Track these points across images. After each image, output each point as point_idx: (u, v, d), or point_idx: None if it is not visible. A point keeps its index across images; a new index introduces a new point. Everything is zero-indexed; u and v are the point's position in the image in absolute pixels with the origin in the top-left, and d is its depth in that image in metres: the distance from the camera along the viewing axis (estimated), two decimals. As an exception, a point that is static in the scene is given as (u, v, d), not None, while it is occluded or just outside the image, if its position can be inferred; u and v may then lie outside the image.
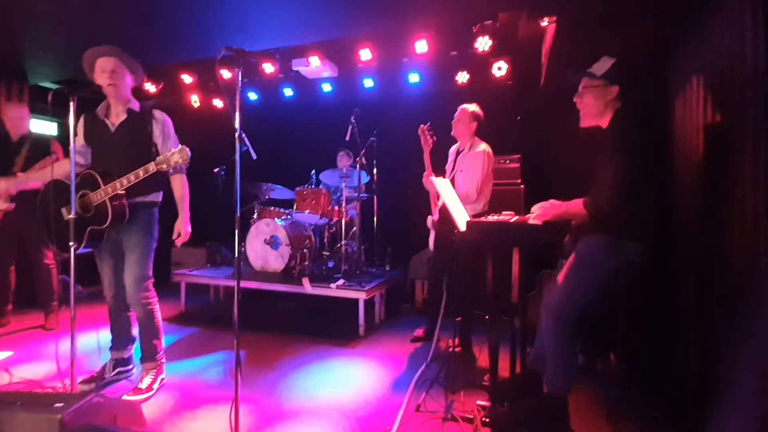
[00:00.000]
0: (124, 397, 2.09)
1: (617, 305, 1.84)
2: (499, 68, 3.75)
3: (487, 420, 1.87)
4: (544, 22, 2.89)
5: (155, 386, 2.21)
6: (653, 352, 2.32)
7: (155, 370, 2.26)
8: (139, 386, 2.17)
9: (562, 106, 2.07)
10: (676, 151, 2.29)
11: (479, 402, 1.98)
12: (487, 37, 3.45)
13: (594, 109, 1.85)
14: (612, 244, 1.75)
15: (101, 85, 2.13)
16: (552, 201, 1.85)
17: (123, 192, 2.06)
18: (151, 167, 1.98)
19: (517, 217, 1.96)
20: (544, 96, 3.30)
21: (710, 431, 1.37)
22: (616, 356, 2.22)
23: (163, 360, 2.33)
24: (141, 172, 2.00)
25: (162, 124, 2.24)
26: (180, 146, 1.97)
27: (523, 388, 1.97)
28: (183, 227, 2.25)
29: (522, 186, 3.51)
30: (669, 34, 2.32)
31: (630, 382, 2.14)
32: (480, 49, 3.51)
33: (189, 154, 1.96)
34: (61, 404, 1.34)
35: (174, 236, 2.25)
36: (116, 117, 2.22)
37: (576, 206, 1.78)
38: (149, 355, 2.27)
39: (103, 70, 2.12)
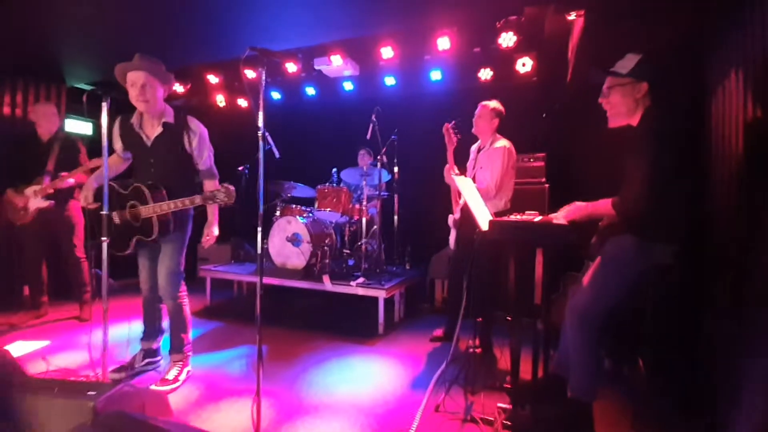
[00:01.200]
0: (152, 387, 2.17)
1: (646, 309, 1.77)
2: (524, 64, 3.67)
3: (508, 423, 1.84)
4: (572, 16, 2.81)
5: (181, 378, 2.28)
6: (683, 358, 2.23)
7: (182, 362, 2.34)
8: (167, 377, 2.24)
9: (588, 102, 2.01)
10: (713, 149, 2.18)
11: (500, 404, 1.95)
12: (511, 33, 3.38)
13: (623, 108, 1.78)
14: (641, 246, 1.68)
15: (131, 99, 2.16)
16: (577, 203, 1.80)
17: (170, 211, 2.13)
18: (198, 200, 2.05)
19: (541, 217, 1.92)
20: (571, 92, 3.21)
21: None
22: (644, 362, 2.15)
23: (190, 353, 2.41)
24: (188, 202, 2.07)
25: (198, 137, 2.28)
26: (227, 186, 2.00)
27: (546, 392, 1.92)
28: (211, 230, 2.34)
29: (546, 185, 3.43)
30: (706, 26, 2.21)
31: (658, 388, 2.06)
32: (504, 45, 3.44)
33: (234, 193, 2.01)
34: (94, 392, 1.41)
35: (203, 238, 2.34)
36: (151, 129, 2.26)
37: (603, 206, 1.72)
38: (177, 348, 2.35)
39: (133, 84, 2.13)
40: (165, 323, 2.46)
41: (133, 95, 2.14)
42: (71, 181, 3.10)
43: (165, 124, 2.24)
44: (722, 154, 2.05)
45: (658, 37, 2.31)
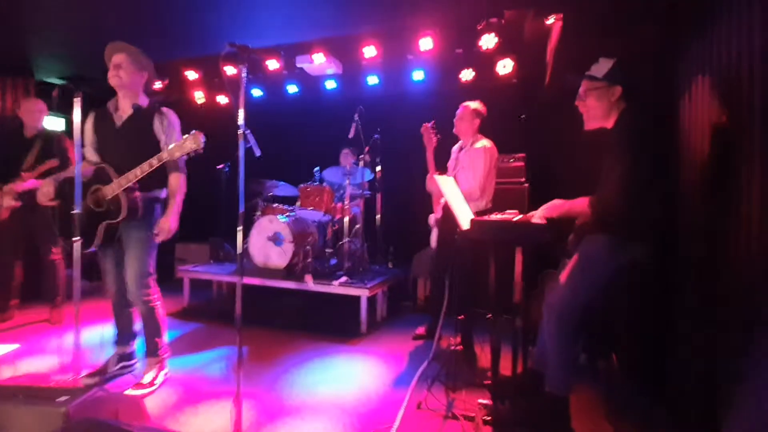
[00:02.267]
0: (127, 391, 2.11)
1: (620, 305, 1.83)
2: (504, 66, 3.74)
3: (489, 418, 1.87)
4: (550, 20, 2.88)
5: (158, 381, 2.23)
6: (656, 353, 2.31)
7: (158, 365, 2.28)
8: (142, 381, 2.19)
9: (567, 104, 2.06)
10: (682, 151, 2.27)
11: (481, 400, 1.99)
12: (492, 35, 3.43)
13: (598, 111, 1.84)
14: (616, 244, 1.73)
15: (108, 77, 2.16)
16: (555, 201, 1.84)
17: (136, 185, 2.05)
18: (164, 155, 1.97)
19: (520, 216, 1.96)
20: (549, 94, 3.28)
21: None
22: (618, 356, 2.22)
23: (166, 355, 2.34)
24: (155, 161, 1.99)
25: (168, 121, 2.22)
26: (193, 132, 1.92)
27: (525, 387, 1.97)
28: (167, 223, 2.16)
29: (526, 185, 3.50)
30: (676, 33, 2.30)
31: (632, 382, 2.13)
32: (485, 47, 3.49)
33: (203, 139, 1.92)
34: (66, 398, 1.36)
35: (155, 231, 2.15)
36: (123, 112, 2.23)
37: (580, 205, 1.77)
38: (152, 351, 2.29)
39: (112, 64, 2.16)
40: (138, 326, 2.38)
41: (110, 74, 2.17)
42: (31, 181, 2.98)
43: (136, 106, 2.21)
44: (691, 156, 2.13)
45: (632, 43, 2.39)
